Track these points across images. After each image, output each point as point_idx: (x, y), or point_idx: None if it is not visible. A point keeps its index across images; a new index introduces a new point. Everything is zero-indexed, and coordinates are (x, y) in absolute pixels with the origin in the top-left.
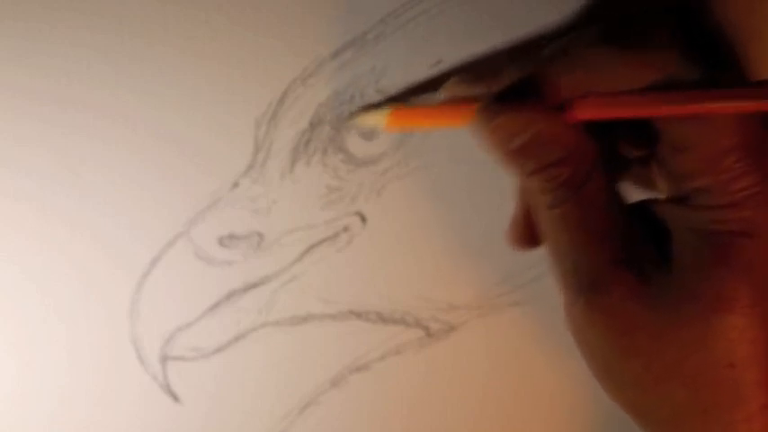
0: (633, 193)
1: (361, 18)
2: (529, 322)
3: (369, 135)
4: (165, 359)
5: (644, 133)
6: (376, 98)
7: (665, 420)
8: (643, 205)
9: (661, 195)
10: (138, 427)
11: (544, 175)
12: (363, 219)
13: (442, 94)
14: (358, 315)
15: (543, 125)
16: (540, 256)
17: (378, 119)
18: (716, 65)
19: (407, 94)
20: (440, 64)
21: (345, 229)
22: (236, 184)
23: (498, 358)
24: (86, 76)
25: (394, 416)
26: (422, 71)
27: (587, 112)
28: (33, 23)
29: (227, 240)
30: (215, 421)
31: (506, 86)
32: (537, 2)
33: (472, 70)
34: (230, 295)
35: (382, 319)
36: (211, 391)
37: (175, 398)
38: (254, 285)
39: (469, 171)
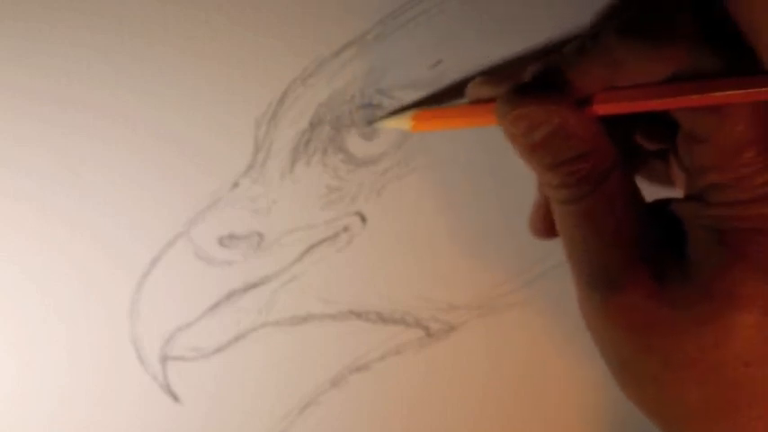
0: (647, 188)
1: (361, 18)
2: (529, 322)
3: (369, 135)
4: (165, 359)
5: (661, 127)
6: (376, 98)
7: (681, 418)
8: (660, 204)
9: (677, 194)
10: (138, 427)
11: (563, 170)
12: (363, 219)
13: (466, 96)
14: (358, 315)
15: (564, 118)
16: (539, 257)
17: (403, 122)
18: (736, 55)
19: (432, 99)
20: (440, 64)
21: (345, 229)
22: (236, 184)
23: (498, 358)
24: (86, 76)
25: (394, 416)
26: (422, 71)
27: (609, 106)
28: (33, 23)
29: (227, 240)
30: (215, 421)
31: (528, 80)
32: (537, 2)
33: (495, 71)
34: (230, 295)
35: (382, 319)
36: (211, 391)
37: (175, 398)
38: (254, 285)
39: (469, 171)
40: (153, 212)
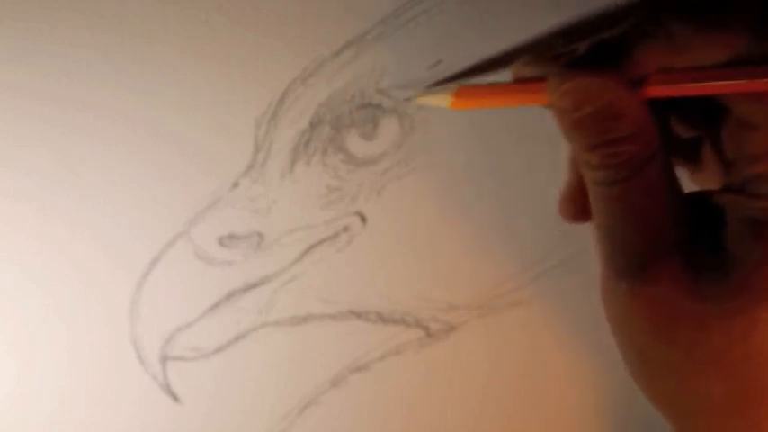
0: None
1: (361, 18)
2: (529, 322)
3: (369, 135)
4: (165, 359)
5: (701, 113)
6: (376, 98)
7: (700, 412)
8: (698, 195)
9: (707, 184)
10: (138, 427)
11: (606, 151)
12: (363, 219)
13: (511, 73)
14: (358, 315)
15: (616, 96)
16: (539, 256)
17: (442, 98)
18: None
19: (470, 72)
20: (440, 64)
21: (345, 229)
22: (236, 184)
23: (498, 358)
24: (86, 76)
25: (394, 416)
26: (422, 71)
27: (664, 88)
28: (33, 23)
29: (227, 240)
30: (215, 421)
31: (585, 52)
32: (537, 2)
33: (542, 50)
34: (230, 295)
35: (382, 319)
36: (211, 391)
37: (175, 398)
38: (254, 285)
39: (469, 171)
40: (153, 212)
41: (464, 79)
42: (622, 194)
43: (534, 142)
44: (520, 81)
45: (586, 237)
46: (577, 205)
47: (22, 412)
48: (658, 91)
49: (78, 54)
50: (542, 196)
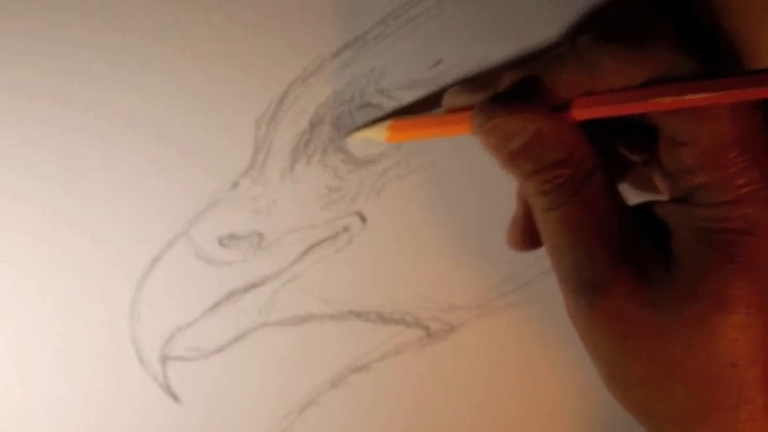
0: (633, 196)
1: (361, 18)
2: (529, 322)
3: None
4: (165, 359)
5: (641, 135)
6: (376, 98)
7: (670, 421)
8: (644, 206)
9: (662, 197)
10: (138, 427)
11: (543, 177)
12: (363, 219)
13: (442, 105)
14: (358, 315)
15: (543, 124)
16: (539, 257)
17: (378, 132)
18: (713, 57)
19: (408, 109)
20: (440, 64)
21: (345, 229)
22: (236, 184)
23: (498, 358)
24: (86, 76)
25: (394, 416)
26: (422, 71)
27: (587, 111)
28: (33, 23)
29: (227, 240)
30: (215, 421)
31: (504, 89)
32: (537, 2)
33: (471, 79)
34: (230, 295)
35: (382, 319)
36: (211, 391)
37: (175, 398)
38: (254, 285)
39: (469, 171)
40: (153, 212)
41: (400, 116)
42: (565, 216)
43: None
44: (451, 111)
45: None
46: (526, 234)
47: (21, 412)
48: (583, 113)
49: (78, 54)
50: None
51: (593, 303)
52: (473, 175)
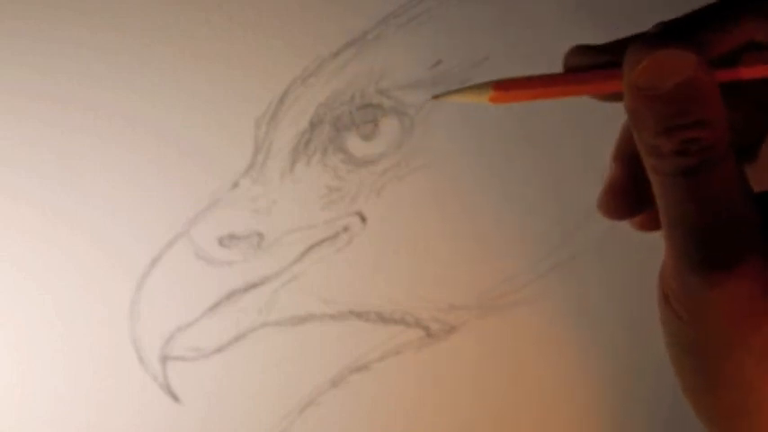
0: None
1: (361, 18)
2: (529, 323)
3: (369, 135)
4: (165, 359)
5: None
6: (376, 98)
7: (756, 424)
8: (763, 194)
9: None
10: (138, 427)
11: (687, 134)
12: (363, 219)
13: (563, 63)
14: (358, 315)
15: (699, 72)
16: (539, 257)
17: (479, 94)
18: None
19: None
20: (440, 64)
21: (345, 229)
22: (236, 184)
23: (498, 359)
24: (86, 76)
25: (394, 416)
26: (422, 71)
27: (757, 68)
28: (33, 23)
29: (227, 240)
30: (215, 421)
31: (663, 27)
32: (536, 2)
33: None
34: (230, 295)
35: (382, 319)
36: (211, 391)
37: (175, 398)
38: (254, 285)
39: (469, 172)
40: (153, 212)
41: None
42: (701, 185)
43: (534, 143)
44: (572, 70)
45: (587, 237)
46: (623, 200)
47: (21, 412)
48: (752, 72)
49: (78, 54)
50: (542, 197)
51: (714, 285)
52: (473, 176)
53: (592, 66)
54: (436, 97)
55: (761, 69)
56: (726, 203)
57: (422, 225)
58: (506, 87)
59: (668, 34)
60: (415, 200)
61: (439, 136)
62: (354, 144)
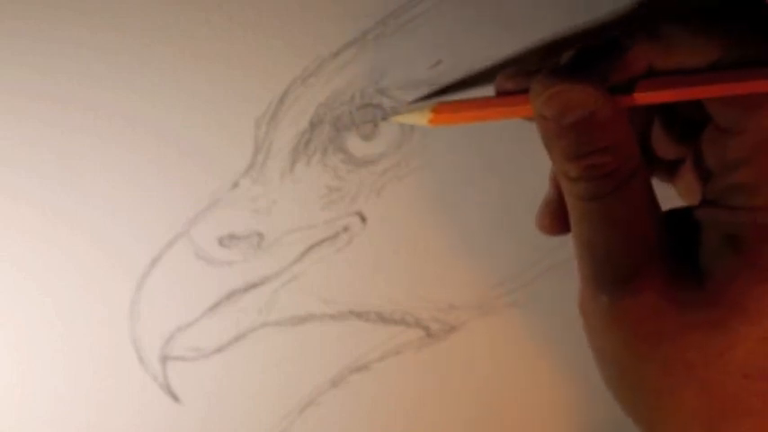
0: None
1: (361, 18)
2: (529, 323)
3: (369, 135)
4: (165, 359)
5: (682, 128)
6: (376, 98)
7: (673, 428)
8: (674, 212)
9: (685, 202)
10: (138, 427)
11: (589, 161)
12: (363, 219)
13: (494, 86)
14: (358, 315)
15: (600, 105)
16: (539, 257)
17: (421, 116)
18: None
19: (448, 89)
20: (440, 64)
21: (345, 229)
22: (236, 184)
23: (498, 359)
24: (86, 76)
25: (394, 416)
26: (422, 71)
27: (650, 94)
28: (33, 23)
29: (227, 240)
30: (215, 421)
31: (570, 60)
32: (536, 2)
33: (525, 66)
34: (230, 295)
35: (382, 319)
36: (211, 391)
37: (175, 398)
38: (254, 285)
39: (469, 171)
40: (153, 212)
41: (443, 96)
42: (605, 209)
43: (533, 143)
44: (502, 94)
45: None
46: (557, 219)
47: (21, 412)
48: (645, 97)
49: (78, 54)
50: (542, 196)
51: (616, 300)
52: (473, 176)
53: (521, 90)
54: (384, 119)
55: (653, 96)
56: (628, 226)
57: (422, 225)
58: (442, 110)
59: (576, 64)
60: (415, 200)
61: (439, 136)
62: (354, 144)
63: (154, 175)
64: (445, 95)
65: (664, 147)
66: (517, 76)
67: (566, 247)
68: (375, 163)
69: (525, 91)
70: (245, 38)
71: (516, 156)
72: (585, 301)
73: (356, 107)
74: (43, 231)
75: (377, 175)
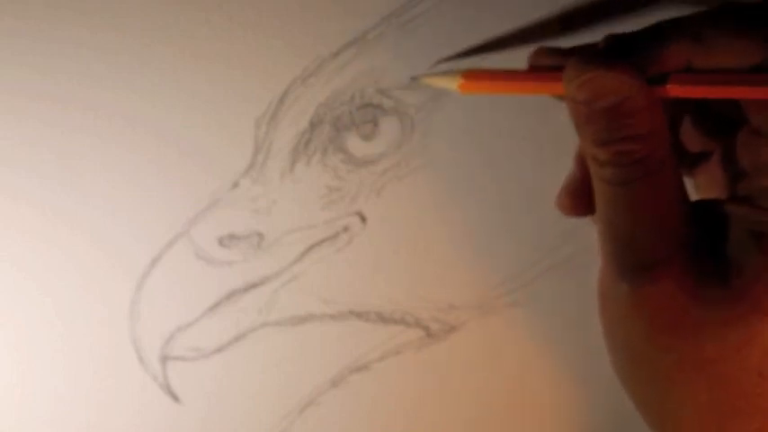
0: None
1: (361, 18)
2: (529, 322)
3: (369, 135)
4: (165, 359)
5: (714, 124)
6: (376, 98)
7: (682, 421)
8: (702, 203)
9: (705, 195)
10: (138, 427)
11: (620, 147)
12: (363, 219)
13: (528, 60)
14: (358, 315)
15: (632, 93)
16: (539, 257)
17: (451, 80)
18: None
19: (476, 50)
20: (440, 64)
21: (345, 229)
22: (236, 184)
23: (498, 359)
24: (86, 76)
25: (394, 416)
26: (422, 71)
27: (683, 88)
28: (33, 23)
29: (227, 240)
30: (215, 421)
31: (606, 44)
32: (536, 2)
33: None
34: (230, 295)
35: (382, 319)
36: (211, 391)
37: (175, 398)
38: (254, 285)
39: (469, 171)
40: (153, 212)
41: (470, 57)
42: (632, 195)
43: (534, 143)
44: (535, 69)
45: (586, 237)
46: (578, 199)
47: (21, 412)
48: (678, 90)
49: (78, 54)
50: (542, 196)
51: (636, 287)
52: (473, 176)
53: (554, 67)
54: (414, 78)
55: (688, 90)
56: (654, 213)
57: (422, 225)
58: (473, 77)
59: (613, 50)
60: (415, 200)
61: (439, 136)
62: (354, 144)
63: (154, 175)
64: (470, 57)
65: (691, 139)
66: (552, 53)
67: (566, 247)
68: (375, 163)
69: (559, 68)
70: (245, 38)
71: (517, 156)
72: (605, 285)
73: (356, 107)
74: (43, 231)
75: (377, 175)
